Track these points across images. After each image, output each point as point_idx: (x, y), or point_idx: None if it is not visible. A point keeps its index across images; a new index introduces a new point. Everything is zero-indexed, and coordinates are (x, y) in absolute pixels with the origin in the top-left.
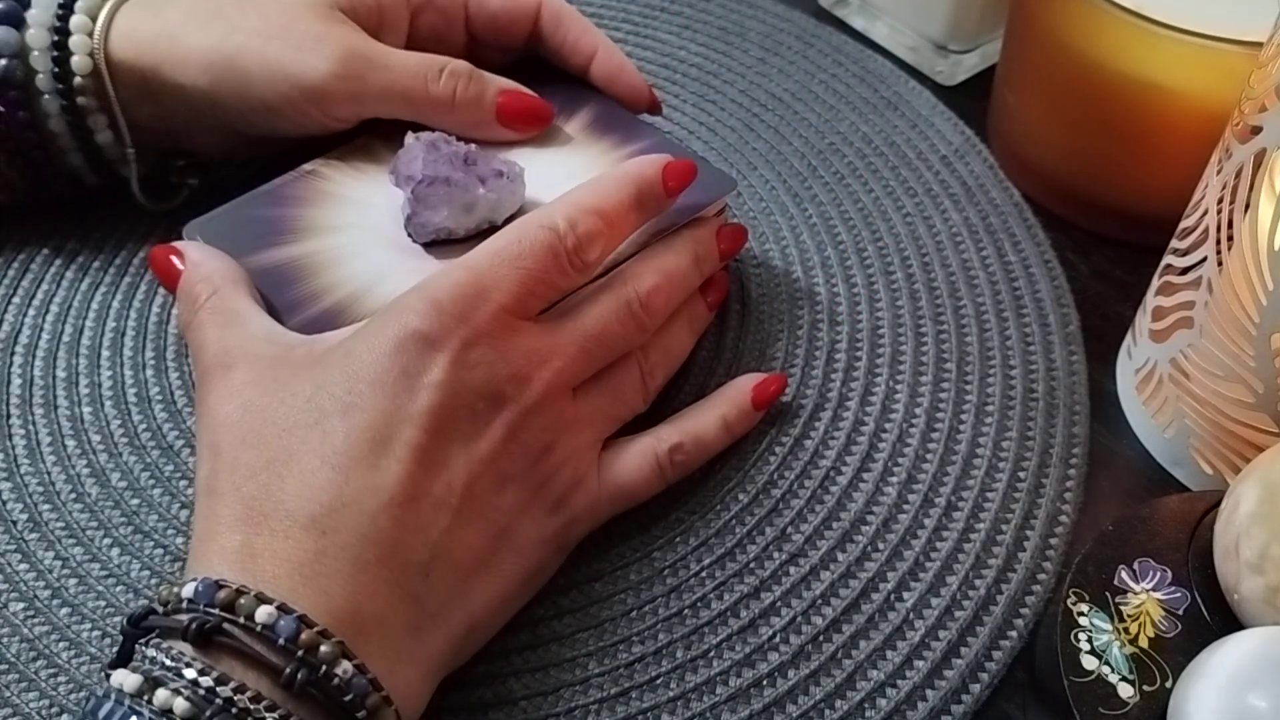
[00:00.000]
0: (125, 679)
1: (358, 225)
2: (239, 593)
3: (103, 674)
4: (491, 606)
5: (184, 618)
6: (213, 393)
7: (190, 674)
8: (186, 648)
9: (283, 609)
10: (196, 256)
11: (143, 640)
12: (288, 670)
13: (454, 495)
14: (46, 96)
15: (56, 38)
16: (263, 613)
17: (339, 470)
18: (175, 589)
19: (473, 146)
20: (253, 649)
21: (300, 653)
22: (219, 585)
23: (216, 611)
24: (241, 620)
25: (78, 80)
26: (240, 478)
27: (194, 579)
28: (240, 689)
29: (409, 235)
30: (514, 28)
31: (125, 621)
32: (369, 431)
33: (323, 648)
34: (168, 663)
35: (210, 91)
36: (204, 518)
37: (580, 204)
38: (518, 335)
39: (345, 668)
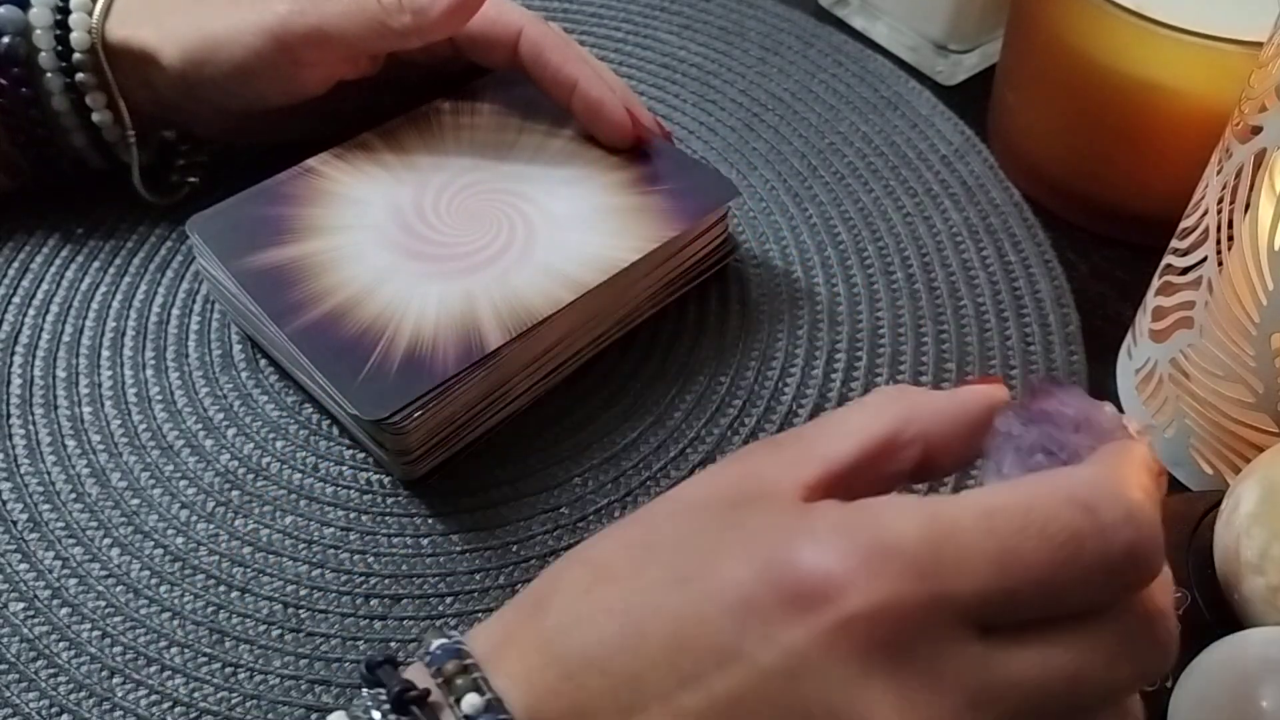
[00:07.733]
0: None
1: (357, 226)
2: (465, 670)
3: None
4: None
5: (395, 685)
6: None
7: None
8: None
9: (492, 706)
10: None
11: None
12: None
13: None
14: (49, 74)
15: (58, 16)
16: (470, 702)
17: (620, 637)
18: (435, 638)
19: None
20: None
21: None
22: (459, 653)
23: (432, 683)
24: (450, 701)
25: (76, 56)
26: (566, 572)
27: (447, 639)
28: None
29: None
30: (492, 52)
31: (364, 664)
32: (675, 640)
33: None
34: (375, 717)
35: (186, 70)
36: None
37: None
38: (959, 649)
39: None
